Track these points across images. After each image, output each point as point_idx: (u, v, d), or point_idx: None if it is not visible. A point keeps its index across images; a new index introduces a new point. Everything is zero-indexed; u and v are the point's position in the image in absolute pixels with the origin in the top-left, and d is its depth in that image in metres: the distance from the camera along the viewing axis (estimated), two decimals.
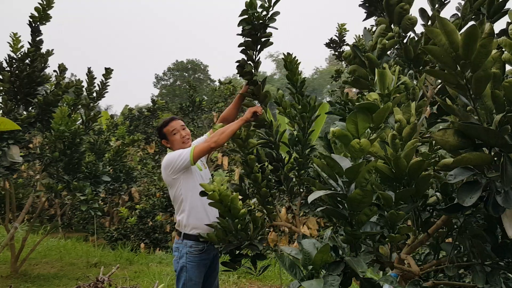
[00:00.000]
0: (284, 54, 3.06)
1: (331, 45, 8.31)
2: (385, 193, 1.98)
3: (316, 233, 7.20)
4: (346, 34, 8.25)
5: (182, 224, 3.27)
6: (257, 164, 3.01)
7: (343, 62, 9.55)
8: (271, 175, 3.10)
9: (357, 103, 1.83)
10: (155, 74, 54.47)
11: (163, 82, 50.62)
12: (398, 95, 1.93)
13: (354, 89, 8.80)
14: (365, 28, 2.87)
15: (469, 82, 1.49)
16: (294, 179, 3.15)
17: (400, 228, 2.02)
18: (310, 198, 1.84)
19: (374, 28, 7.40)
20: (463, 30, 1.47)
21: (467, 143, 1.57)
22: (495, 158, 1.58)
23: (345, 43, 8.24)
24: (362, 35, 7.47)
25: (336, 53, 8.38)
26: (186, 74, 48.99)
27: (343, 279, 1.95)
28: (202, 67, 49.62)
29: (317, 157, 2.12)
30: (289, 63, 3.07)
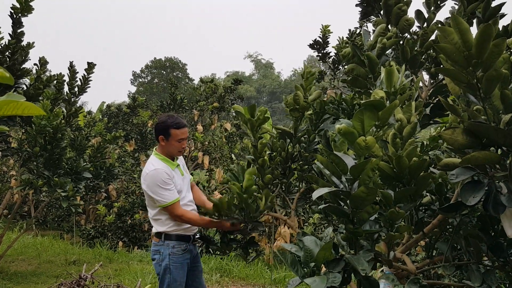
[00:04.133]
0: (304, 64, 3.13)
1: (315, 46, 8.34)
2: (385, 191, 1.99)
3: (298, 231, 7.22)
4: (329, 35, 8.29)
5: (162, 223, 3.21)
6: (266, 151, 3.02)
7: (320, 65, 9.60)
8: (278, 165, 3.11)
9: (362, 101, 1.83)
10: (133, 71, 53.91)
11: (140, 80, 50.13)
12: (403, 93, 1.93)
13: (334, 91, 8.86)
14: (361, 27, 2.89)
15: (479, 81, 1.51)
16: (295, 174, 3.16)
17: (399, 226, 2.04)
18: (315, 195, 1.84)
19: (358, 31, 7.42)
20: None
21: (475, 142, 1.59)
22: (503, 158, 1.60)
23: (328, 45, 8.29)
24: (346, 37, 7.52)
25: (320, 54, 8.42)
26: (164, 72, 48.64)
27: (343, 277, 1.95)
28: (181, 66, 49.33)
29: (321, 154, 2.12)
30: (307, 73, 3.10)
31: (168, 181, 3.12)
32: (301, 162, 3.14)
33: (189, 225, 3.22)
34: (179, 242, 3.21)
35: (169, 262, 3.17)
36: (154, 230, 3.29)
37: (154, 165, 3.19)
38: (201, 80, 12.63)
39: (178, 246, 3.21)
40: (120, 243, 8.91)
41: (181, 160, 3.48)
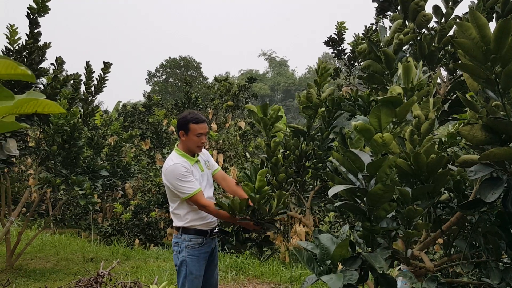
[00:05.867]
0: (318, 59, 3.11)
1: (330, 43, 8.29)
2: (403, 189, 1.97)
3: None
4: (345, 32, 8.24)
5: (180, 218, 3.28)
6: (280, 149, 3.02)
7: (336, 62, 9.54)
8: (292, 163, 3.11)
9: (379, 98, 1.82)
10: (148, 70, 54.22)
11: (155, 79, 50.40)
12: (421, 89, 1.91)
13: (350, 88, 8.80)
14: (378, 23, 2.86)
15: (498, 76, 1.48)
16: (310, 172, 3.15)
17: (417, 224, 2.02)
18: (331, 193, 1.83)
19: (374, 27, 7.35)
20: None
21: (494, 138, 1.57)
22: None
23: (344, 41, 8.24)
24: (362, 33, 7.47)
25: (335, 51, 8.37)
26: (179, 71, 48.81)
27: (360, 275, 1.94)
28: (195, 64, 49.46)
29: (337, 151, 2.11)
30: (322, 69, 3.08)
31: (186, 174, 3.17)
32: (315, 160, 3.13)
33: (206, 221, 3.27)
34: (196, 236, 3.27)
35: (186, 255, 3.24)
36: (173, 224, 3.37)
37: (173, 160, 3.27)
38: (216, 78, 12.67)
39: (195, 240, 3.26)
40: (137, 241, 9.00)
41: (204, 155, 3.52)
